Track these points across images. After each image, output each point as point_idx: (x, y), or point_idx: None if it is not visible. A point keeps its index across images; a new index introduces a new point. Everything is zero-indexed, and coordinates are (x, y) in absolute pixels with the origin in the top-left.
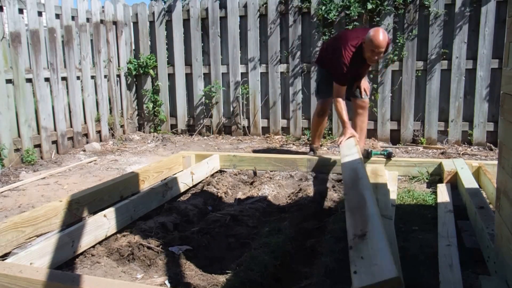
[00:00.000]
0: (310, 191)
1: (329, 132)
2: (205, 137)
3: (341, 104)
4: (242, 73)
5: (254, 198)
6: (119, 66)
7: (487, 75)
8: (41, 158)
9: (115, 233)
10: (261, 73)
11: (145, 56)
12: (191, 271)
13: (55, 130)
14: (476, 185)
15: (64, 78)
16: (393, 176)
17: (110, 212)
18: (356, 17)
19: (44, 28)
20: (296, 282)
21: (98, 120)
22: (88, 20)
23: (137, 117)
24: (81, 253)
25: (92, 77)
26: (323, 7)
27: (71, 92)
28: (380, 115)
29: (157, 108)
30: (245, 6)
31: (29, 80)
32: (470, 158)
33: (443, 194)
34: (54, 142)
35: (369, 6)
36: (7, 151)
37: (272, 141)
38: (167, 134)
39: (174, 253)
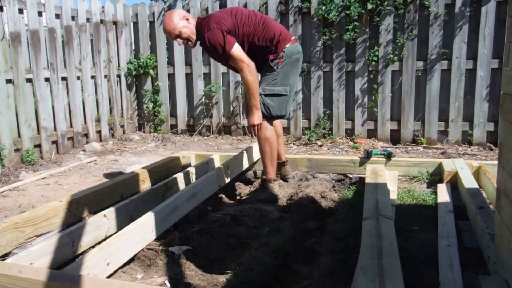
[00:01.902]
0: (310, 191)
1: (329, 132)
2: (205, 137)
3: None
4: None
5: (254, 198)
6: (119, 66)
7: (487, 75)
8: (41, 158)
9: (115, 233)
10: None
11: (145, 56)
12: (191, 271)
13: (55, 130)
14: (476, 185)
15: (64, 78)
16: (393, 176)
17: (110, 212)
18: (356, 17)
19: (44, 28)
20: (296, 282)
21: (98, 120)
22: (88, 20)
23: (137, 117)
24: (81, 253)
25: (92, 77)
26: (323, 7)
27: (71, 92)
28: (380, 115)
29: (157, 108)
30: (245, 6)
31: (29, 80)
32: (470, 158)
33: (443, 194)
34: (54, 142)
35: (369, 6)
36: (7, 151)
37: None
38: (167, 134)
39: (174, 253)
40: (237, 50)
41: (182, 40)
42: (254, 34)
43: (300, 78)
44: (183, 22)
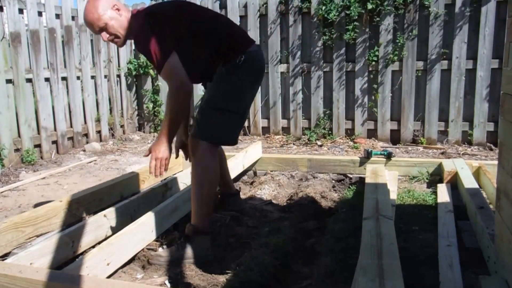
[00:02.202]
0: (310, 191)
1: (329, 132)
2: None
3: None
4: None
5: (254, 198)
6: (119, 66)
7: (487, 75)
8: (41, 158)
9: (115, 233)
10: None
11: None
12: (191, 271)
13: (55, 130)
14: (476, 185)
15: (64, 78)
16: (393, 176)
17: (110, 212)
18: (356, 17)
19: (44, 28)
20: (296, 282)
21: (98, 120)
22: None
23: (137, 117)
24: (81, 253)
25: (92, 77)
26: (323, 7)
27: (71, 92)
28: (380, 115)
29: (157, 108)
30: (245, 6)
31: (29, 80)
32: (470, 158)
33: (443, 194)
34: (54, 142)
35: (369, 6)
36: (7, 151)
37: (272, 141)
38: None
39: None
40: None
41: (108, 36)
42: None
43: (300, 78)
44: (112, 13)
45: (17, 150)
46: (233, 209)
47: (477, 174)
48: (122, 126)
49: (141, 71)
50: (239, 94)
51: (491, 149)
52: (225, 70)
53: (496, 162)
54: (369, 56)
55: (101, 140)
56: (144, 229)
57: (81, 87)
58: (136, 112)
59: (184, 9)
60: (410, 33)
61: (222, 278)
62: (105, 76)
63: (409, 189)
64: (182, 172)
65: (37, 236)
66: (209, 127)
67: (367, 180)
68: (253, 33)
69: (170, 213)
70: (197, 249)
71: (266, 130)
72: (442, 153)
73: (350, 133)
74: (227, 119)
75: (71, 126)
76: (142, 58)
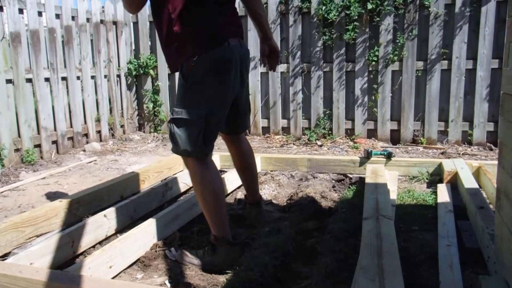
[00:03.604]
0: (310, 191)
1: (329, 132)
2: None
3: None
4: None
5: None
6: (119, 66)
7: (487, 75)
8: (41, 158)
9: (115, 233)
10: (261, 73)
11: (145, 56)
12: (191, 271)
13: (55, 130)
14: (476, 185)
15: (64, 78)
16: (393, 176)
17: (110, 212)
18: (356, 17)
19: (44, 28)
20: (296, 282)
21: (98, 120)
22: (88, 20)
23: (137, 117)
24: (81, 253)
25: (92, 77)
26: (323, 7)
27: (71, 92)
28: (380, 115)
29: (157, 108)
30: None
31: (29, 80)
32: (470, 158)
33: (443, 194)
34: (54, 142)
35: (369, 6)
36: (7, 151)
37: (272, 141)
38: (167, 134)
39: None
40: None
41: None
42: None
43: (300, 78)
44: None
45: (17, 150)
46: (251, 219)
47: (477, 174)
48: (122, 126)
49: (141, 71)
50: (196, 101)
51: (491, 149)
52: (181, 75)
53: (496, 162)
54: (369, 56)
55: (101, 140)
56: (146, 235)
57: (81, 87)
58: (136, 112)
59: None
60: (410, 33)
61: (222, 278)
62: (105, 76)
63: (409, 189)
64: (182, 172)
65: (37, 236)
66: (173, 140)
67: (367, 180)
68: (253, 33)
69: (172, 221)
70: (225, 258)
71: (266, 130)
72: (442, 153)
73: (350, 133)
74: (185, 129)
75: (71, 126)
76: (142, 58)
